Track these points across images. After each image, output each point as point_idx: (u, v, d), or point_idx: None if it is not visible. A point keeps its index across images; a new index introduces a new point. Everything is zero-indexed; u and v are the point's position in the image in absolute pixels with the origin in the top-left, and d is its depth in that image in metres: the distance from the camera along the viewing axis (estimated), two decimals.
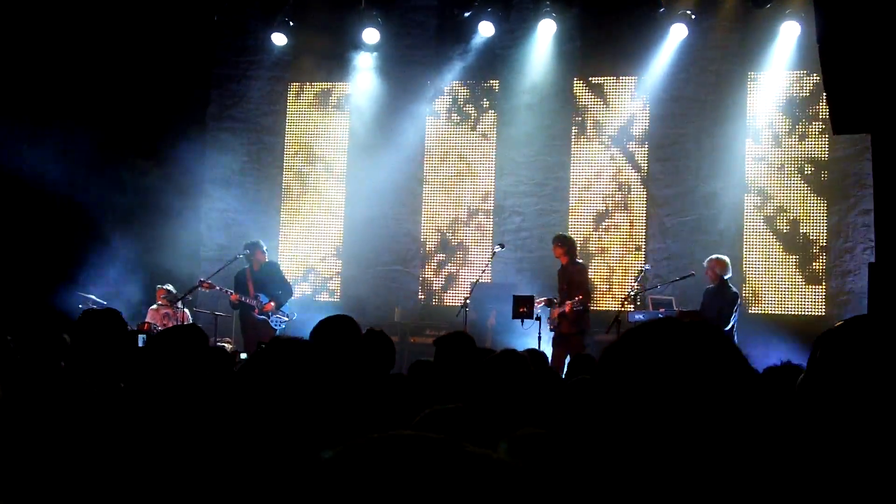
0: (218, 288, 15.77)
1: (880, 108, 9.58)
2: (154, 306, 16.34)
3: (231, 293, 15.68)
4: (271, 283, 15.75)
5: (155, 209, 17.86)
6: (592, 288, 15.08)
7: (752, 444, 1.95)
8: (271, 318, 15.52)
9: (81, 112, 17.13)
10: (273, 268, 16.14)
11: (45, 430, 4.37)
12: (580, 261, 15.29)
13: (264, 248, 15.99)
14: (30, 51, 16.42)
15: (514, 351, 5.86)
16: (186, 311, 16.28)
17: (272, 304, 15.57)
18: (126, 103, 17.54)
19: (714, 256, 14.67)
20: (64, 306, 15.56)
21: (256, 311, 15.54)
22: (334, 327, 4.95)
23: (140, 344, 12.59)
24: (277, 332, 15.04)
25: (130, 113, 17.54)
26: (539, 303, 14.91)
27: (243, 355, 11.71)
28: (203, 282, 15.87)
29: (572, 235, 15.94)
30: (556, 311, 14.71)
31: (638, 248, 17.72)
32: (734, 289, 14.60)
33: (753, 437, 1.95)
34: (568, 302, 14.54)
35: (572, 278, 14.83)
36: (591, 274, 17.61)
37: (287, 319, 15.62)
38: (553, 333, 14.70)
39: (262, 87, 19.26)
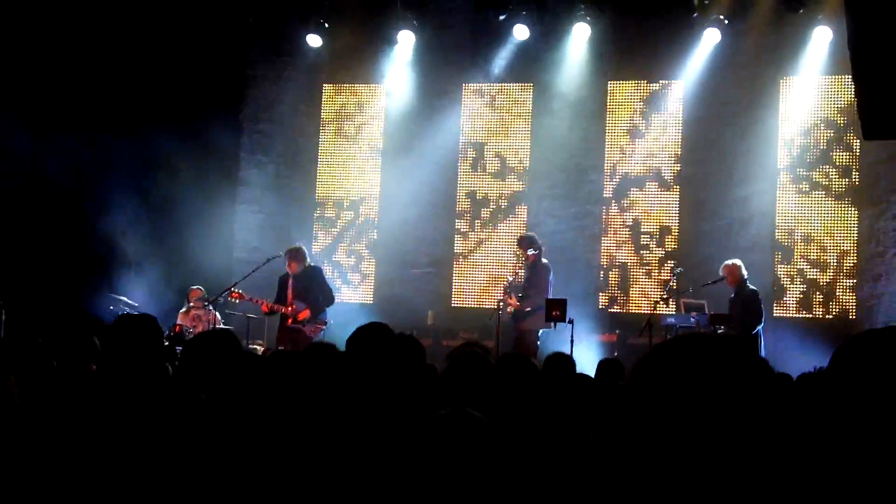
0: (248, 299, 15.47)
1: None
2: (184, 308, 16.31)
3: (262, 303, 15.38)
4: (312, 289, 15.36)
5: (188, 211, 17.86)
6: (544, 288, 15.14)
7: (777, 457, 2.01)
8: (306, 326, 15.13)
9: (116, 113, 17.21)
10: (315, 272, 15.70)
11: (69, 431, 4.45)
12: (544, 260, 15.37)
13: (305, 253, 15.63)
14: (64, 54, 16.50)
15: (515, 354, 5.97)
16: (217, 313, 16.22)
17: (308, 311, 15.20)
18: (161, 104, 17.61)
19: (727, 263, 14.78)
20: (96, 309, 15.62)
21: (290, 320, 15.19)
22: (370, 336, 5.00)
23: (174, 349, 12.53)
24: (315, 339, 14.52)
25: (165, 114, 17.61)
26: (506, 299, 15.31)
27: None
28: (233, 291, 15.52)
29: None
30: (510, 301, 15.18)
31: (671, 252, 17.71)
32: (752, 286, 14.63)
33: (778, 450, 2.02)
34: (510, 300, 15.13)
35: (531, 277, 15.18)
36: (623, 277, 17.70)
37: (323, 328, 15.23)
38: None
39: (297, 89, 19.31)
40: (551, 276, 15.27)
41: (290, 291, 15.28)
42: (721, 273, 14.69)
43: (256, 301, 15.44)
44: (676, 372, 2.07)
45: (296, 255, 15.47)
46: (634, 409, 2.10)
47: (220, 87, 18.67)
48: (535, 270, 15.19)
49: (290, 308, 15.21)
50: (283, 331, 15.36)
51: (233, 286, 15.66)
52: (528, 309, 14.88)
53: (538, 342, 14.79)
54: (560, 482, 3.88)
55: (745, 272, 14.59)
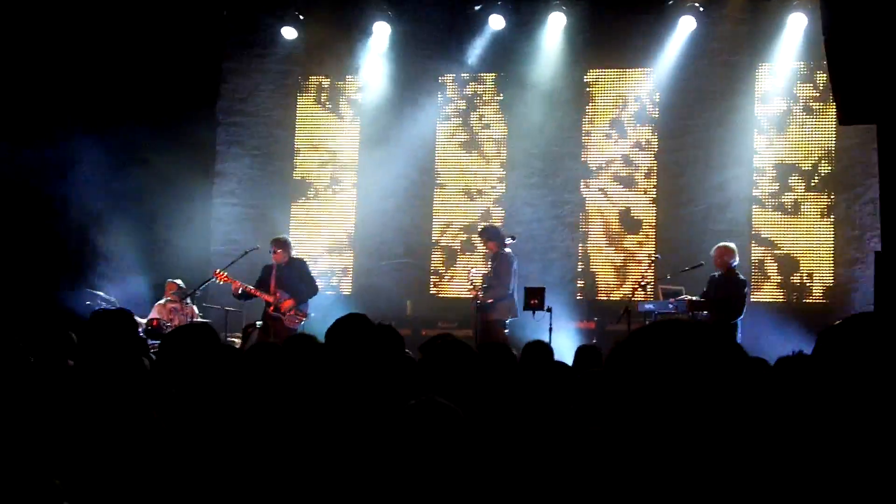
0: (232, 281, 15.35)
1: (886, 99, 9.63)
2: (161, 301, 16.28)
3: (244, 286, 15.29)
4: (294, 281, 15.44)
5: (165, 203, 17.84)
6: (506, 278, 15.18)
7: (751, 439, 2.02)
8: (285, 317, 15.18)
9: (90, 107, 17.14)
10: (300, 264, 15.79)
11: (49, 427, 4.44)
12: (507, 250, 15.42)
13: (288, 245, 15.64)
14: (37, 47, 16.43)
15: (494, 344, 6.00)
16: (194, 307, 16.23)
17: (290, 301, 15.25)
18: (136, 98, 17.54)
19: (722, 244, 14.66)
20: (72, 303, 15.59)
21: (272, 308, 15.24)
22: (349, 327, 4.99)
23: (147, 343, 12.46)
24: (298, 330, 14.49)
25: (140, 107, 17.54)
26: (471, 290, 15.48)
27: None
28: (218, 272, 15.54)
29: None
30: (474, 292, 15.30)
31: (648, 238, 17.77)
32: (742, 276, 14.63)
33: (752, 432, 2.03)
34: (474, 291, 15.23)
35: (494, 268, 15.26)
36: (601, 265, 17.74)
37: (305, 318, 15.31)
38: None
39: (273, 81, 19.26)
40: (515, 266, 15.27)
41: (273, 281, 15.31)
42: (712, 254, 14.63)
43: (239, 285, 15.39)
44: (652, 358, 2.08)
45: (283, 244, 15.54)
46: (611, 394, 2.10)
47: (195, 79, 18.58)
48: (497, 261, 15.23)
49: (276, 296, 15.24)
50: (265, 318, 15.39)
51: (216, 273, 15.62)
52: (491, 300, 14.90)
53: (505, 332, 14.80)
54: (537, 469, 3.89)
55: (736, 259, 14.53)
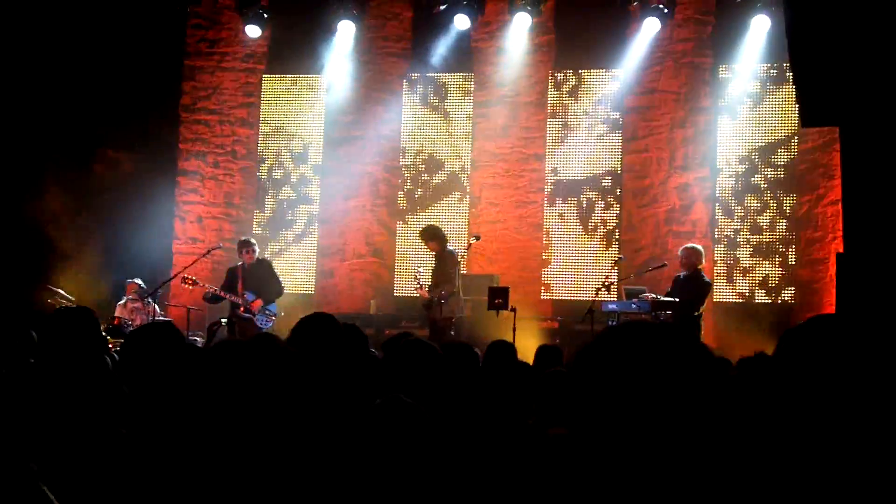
0: (203, 285, 15.51)
1: (848, 101, 9.69)
2: (122, 301, 16.24)
3: (215, 290, 15.40)
4: (262, 281, 15.55)
5: (127, 202, 17.74)
6: (453, 276, 15.25)
7: (716, 437, 2.03)
8: (256, 317, 15.28)
9: (51, 104, 17.05)
10: (267, 264, 15.99)
11: (10, 425, 4.41)
12: (450, 248, 15.56)
13: (255, 246, 15.79)
14: None
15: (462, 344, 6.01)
16: (156, 305, 16.20)
17: (259, 301, 15.38)
18: (97, 95, 17.45)
19: (690, 245, 14.76)
20: (32, 301, 15.51)
21: (242, 308, 15.32)
22: (314, 326, 4.98)
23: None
24: (263, 330, 14.59)
25: (101, 105, 17.45)
26: (417, 290, 15.68)
27: None
28: (187, 279, 15.56)
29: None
30: (421, 291, 15.53)
31: (612, 239, 17.82)
32: (707, 279, 14.69)
33: (717, 430, 2.04)
34: (421, 290, 15.46)
35: (437, 267, 15.42)
36: (565, 265, 17.78)
37: (273, 318, 15.41)
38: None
39: (237, 80, 19.16)
40: (459, 264, 15.42)
41: (240, 283, 15.34)
42: (679, 254, 14.70)
43: (211, 289, 15.40)
44: (618, 359, 2.08)
45: (252, 246, 15.67)
46: (577, 395, 2.10)
47: (158, 77, 18.48)
48: (440, 261, 15.31)
49: (244, 297, 15.28)
50: (233, 318, 15.45)
51: (184, 279, 15.63)
52: (435, 298, 14.97)
53: (451, 331, 14.85)
54: (497, 466, 3.89)
55: (703, 261, 14.62)
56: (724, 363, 6.38)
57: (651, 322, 2.28)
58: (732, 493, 2.14)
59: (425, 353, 5.22)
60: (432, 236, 15.48)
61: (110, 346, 11.22)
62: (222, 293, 15.37)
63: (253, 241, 15.89)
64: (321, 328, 4.90)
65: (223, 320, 15.27)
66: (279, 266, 17.04)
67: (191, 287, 15.68)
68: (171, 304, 16.78)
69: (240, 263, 15.60)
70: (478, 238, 16.02)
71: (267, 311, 15.46)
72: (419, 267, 16.05)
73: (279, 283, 15.92)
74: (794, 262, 17.08)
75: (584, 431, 2.07)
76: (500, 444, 4.40)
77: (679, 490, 2.01)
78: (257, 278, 15.52)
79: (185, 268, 15.77)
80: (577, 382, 2.12)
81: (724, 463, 2.06)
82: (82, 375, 4.93)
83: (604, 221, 17.93)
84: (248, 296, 15.36)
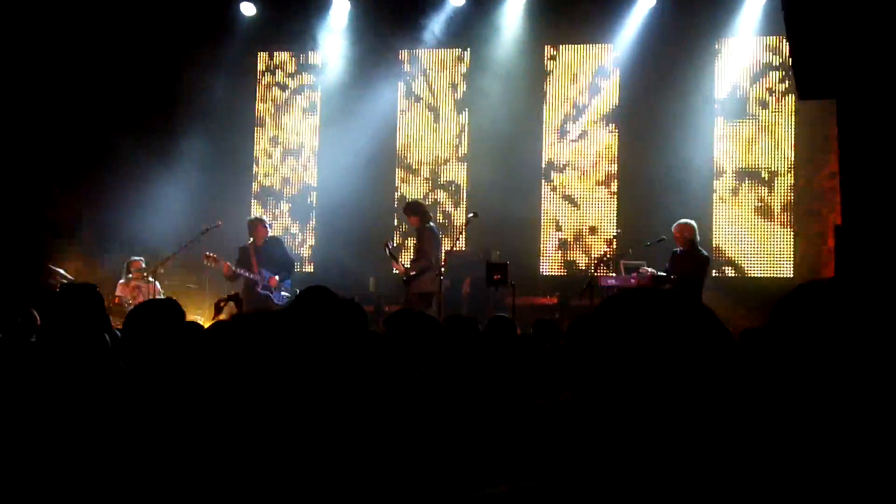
0: (222, 263, 15.53)
1: (845, 74, 9.68)
2: (123, 280, 16.24)
3: (228, 264, 15.47)
4: (275, 259, 15.68)
5: (126, 184, 17.74)
6: (430, 251, 15.26)
7: (728, 411, 2.02)
8: (273, 294, 15.37)
9: (51, 87, 17.05)
10: (279, 242, 16.17)
11: (12, 406, 4.42)
12: (430, 224, 15.57)
13: (267, 224, 15.99)
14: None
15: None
16: (157, 283, 16.21)
17: (276, 279, 15.47)
18: (96, 77, 17.44)
19: (682, 221, 14.63)
20: (34, 281, 15.53)
21: (259, 286, 15.39)
22: (313, 298, 5.00)
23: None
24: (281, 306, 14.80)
25: (101, 88, 17.44)
26: (393, 265, 15.80)
27: None
28: (209, 255, 15.66)
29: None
30: (397, 266, 15.73)
31: (610, 215, 17.82)
32: (705, 252, 14.67)
33: (729, 402, 2.03)
34: (397, 266, 15.66)
35: (418, 242, 15.54)
36: (563, 241, 17.79)
37: (288, 295, 15.42)
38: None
39: (231, 60, 19.05)
40: (439, 239, 15.46)
41: (254, 261, 15.43)
42: (673, 231, 14.64)
43: (230, 266, 15.48)
44: (622, 325, 2.06)
45: (263, 223, 15.88)
46: (576, 363, 2.08)
47: (153, 56, 18.42)
48: (421, 236, 15.35)
49: (260, 275, 15.39)
50: (251, 299, 15.36)
51: (205, 255, 15.74)
52: (414, 273, 15.03)
53: (430, 306, 14.83)
54: (497, 436, 3.91)
55: (697, 235, 14.58)
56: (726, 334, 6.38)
57: (653, 288, 2.26)
58: (735, 465, 2.14)
59: (426, 328, 5.24)
60: (413, 211, 15.52)
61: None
62: (241, 271, 15.40)
63: (265, 218, 16.11)
64: (319, 300, 4.91)
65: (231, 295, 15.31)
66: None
67: (213, 266, 15.75)
68: (171, 283, 16.73)
69: (250, 241, 15.65)
70: (475, 215, 15.95)
71: (284, 288, 15.57)
72: (388, 240, 16.13)
73: (291, 260, 16.13)
74: (792, 236, 17.08)
75: (584, 397, 2.05)
76: (502, 415, 4.42)
77: (681, 456, 2.00)
78: (271, 255, 15.66)
79: (182, 247, 15.77)
80: (577, 348, 2.09)
81: (730, 434, 2.04)
82: (83, 353, 4.94)
83: (601, 197, 17.93)
84: (265, 273, 15.44)
